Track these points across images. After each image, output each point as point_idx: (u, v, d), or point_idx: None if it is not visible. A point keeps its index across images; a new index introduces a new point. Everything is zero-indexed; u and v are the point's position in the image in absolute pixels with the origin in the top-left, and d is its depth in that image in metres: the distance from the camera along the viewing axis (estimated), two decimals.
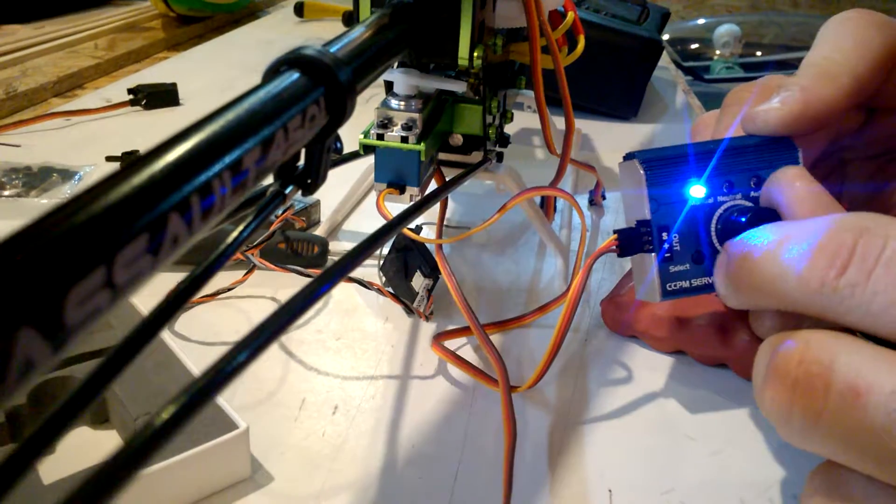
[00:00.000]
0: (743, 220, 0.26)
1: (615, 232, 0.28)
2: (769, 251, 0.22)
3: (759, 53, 1.56)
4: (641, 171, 0.27)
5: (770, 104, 0.27)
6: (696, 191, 0.27)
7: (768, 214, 0.26)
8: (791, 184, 0.26)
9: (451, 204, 0.49)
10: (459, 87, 0.33)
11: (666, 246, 0.27)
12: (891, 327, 0.19)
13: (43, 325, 0.10)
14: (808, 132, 0.27)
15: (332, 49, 0.20)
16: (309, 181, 0.20)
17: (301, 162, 0.20)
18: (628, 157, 0.28)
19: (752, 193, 0.27)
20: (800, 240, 0.21)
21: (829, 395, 0.19)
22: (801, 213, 0.25)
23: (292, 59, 0.18)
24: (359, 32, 0.23)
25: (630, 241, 0.28)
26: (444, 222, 0.38)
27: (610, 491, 0.27)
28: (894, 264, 0.19)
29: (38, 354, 0.09)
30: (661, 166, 0.27)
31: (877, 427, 0.18)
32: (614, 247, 0.28)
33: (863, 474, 0.20)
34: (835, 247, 0.20)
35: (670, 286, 0.27)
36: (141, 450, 0.12)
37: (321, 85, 0.18)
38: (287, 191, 0.20)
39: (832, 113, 0.27)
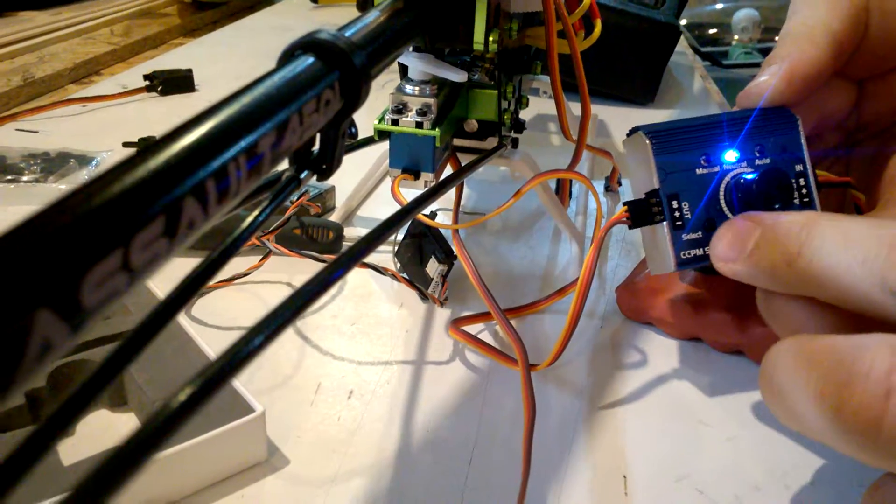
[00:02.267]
0: (751, 177, 0.27)
1: (625, 204, 0.28)
2: (836, 241, 0.21)
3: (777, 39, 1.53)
4: (647, 142, 0.28)
5: (760, 79, 0.29)
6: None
7: (777, 174, 0.27)
8: None
9: (466, 191, 0.49)
10: (459, 76, 0.33)
11: (676, 214, 0.28)
12: None
13: (61, 307, 0.10)
14: (802, 98, 0.29)
15: (347, 33, 0.20)
16: (324, 166, 0.20)
17: (316, 147, 0.20)
18: (632, 131, 0.29)
19: (757, 161, 0.28)
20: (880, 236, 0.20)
21: None
22: None
23: (307, 44, 0.18)
24: (373, 17, 0.23)
25: (640, 212, 0.28)
26: (459, 208, 0.38)
27: (624, 477, 0.27)
28: None
29: (55, 336, 0.10)
30: (665, 137, 0.28)
31: None
32: (625, 218, 0.28)
33: None
34: None
35: (684, 254, 0.28)
36: (158, 431, 0.12)
37: (336, 69, 0.18)
38: (302, 176, 0.20)
39: (819, 74, 0.28)
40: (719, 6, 1.64)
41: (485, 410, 0.31)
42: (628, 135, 0.29)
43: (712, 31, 1.57)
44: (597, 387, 0.32)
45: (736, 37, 1.50)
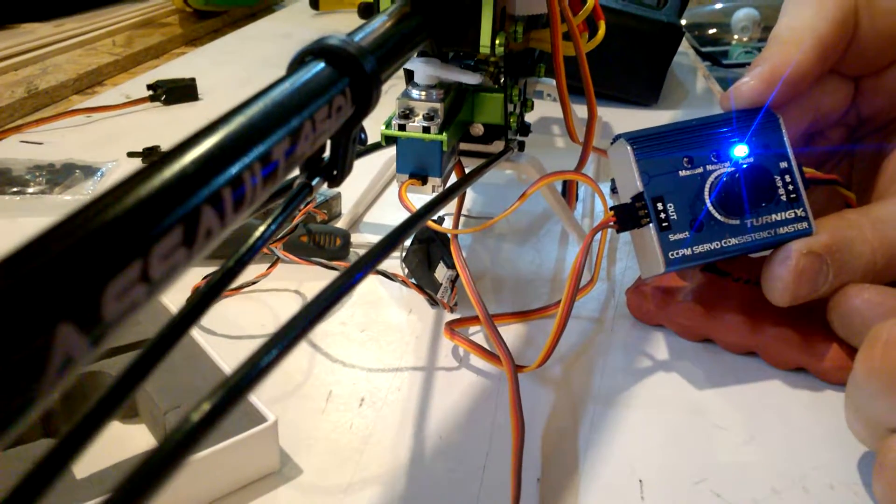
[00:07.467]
0: (736, 175, 0.28)
1: (611, 208, 0.29)
2: None
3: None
4: (628, 147, 0.28)
5: (743, 80, 0.30)
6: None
7: (759, 171, 0.29)
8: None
9: (473, 195, 0.48)
10: (473, 79, 0.33)
11: (662, 215, 0.28)
12: None
13: (81, 321, 0.09)
14: (787, 98, 0.30)
15: (356, 38, 0.20)
16: (335, 173, 0.20)
17: (326, 153, 0.20)
18: (615, 139, 0.29)
19: (740, 160, 0.29)
20: None
21: None
22: None
23: (317, 50, 0.18)
24: (381, 21, 0.23)
25: (626, 216, 0.29)
26: (467, 213, 0.38)
27: (640, 481, 0.27)
28: None
29: (76, 349, 0.09)
30: (646, 141, 0.29)
31: None
32: (612, 222, 0.29)
33: None
34: None
35: (672, 254, 0.28)
36: (178, 448, 0.12)
37: (347, 75, 0.18)
38: (314, 183, 0.19)
39: (803, 75, 0.29)
40: (719, 6, 1.63)
41: (498, 415, 0.30)
42: (612, 143, 0.30)
43: (712, 30, 1.56)
44: (609, 391, 0.32)
45: (736, 36, 1.50)
